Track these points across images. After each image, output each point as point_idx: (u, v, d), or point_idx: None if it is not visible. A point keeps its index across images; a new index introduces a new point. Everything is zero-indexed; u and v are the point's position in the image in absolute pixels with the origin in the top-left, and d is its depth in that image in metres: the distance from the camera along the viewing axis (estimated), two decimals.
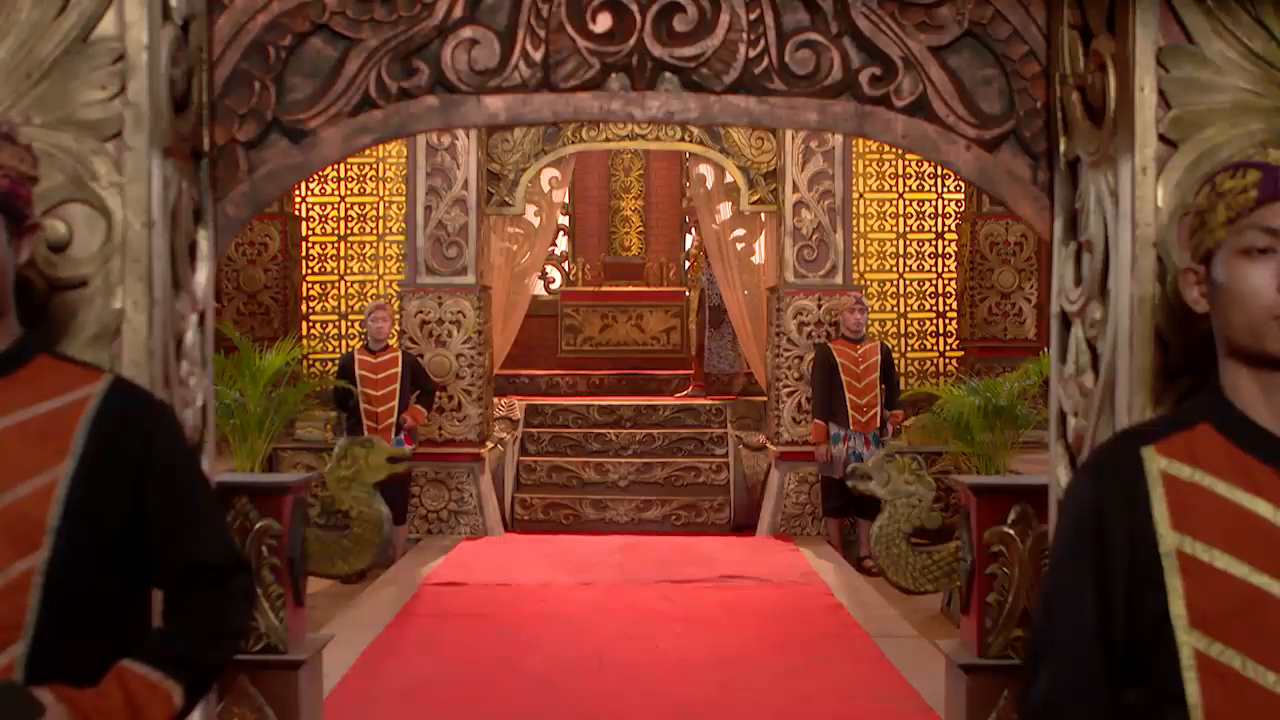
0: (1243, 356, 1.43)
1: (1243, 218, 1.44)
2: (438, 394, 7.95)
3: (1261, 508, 1.37)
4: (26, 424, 1.49)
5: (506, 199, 8.65)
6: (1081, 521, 1.45)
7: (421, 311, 8.24)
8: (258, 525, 3.42)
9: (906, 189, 9.50)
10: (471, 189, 8.24)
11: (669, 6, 2.17)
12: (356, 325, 9.40)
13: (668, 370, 11.11)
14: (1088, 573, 1.42)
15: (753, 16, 2.17)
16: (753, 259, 9.33)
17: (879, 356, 7.51)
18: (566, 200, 11.94)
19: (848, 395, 7.39)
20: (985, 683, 3.44)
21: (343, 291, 9.55)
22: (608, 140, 8.87)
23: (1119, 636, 1.41)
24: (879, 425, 7.43)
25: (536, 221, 9.87)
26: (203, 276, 2.08)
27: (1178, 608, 1.36)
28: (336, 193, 9.52)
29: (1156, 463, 1.43)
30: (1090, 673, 1.41)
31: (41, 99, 1.81)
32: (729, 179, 8.95)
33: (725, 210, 9.62)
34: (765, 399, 8.79)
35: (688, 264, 10.33)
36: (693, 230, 12.57)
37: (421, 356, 8.05)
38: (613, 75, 2.18)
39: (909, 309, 9.51)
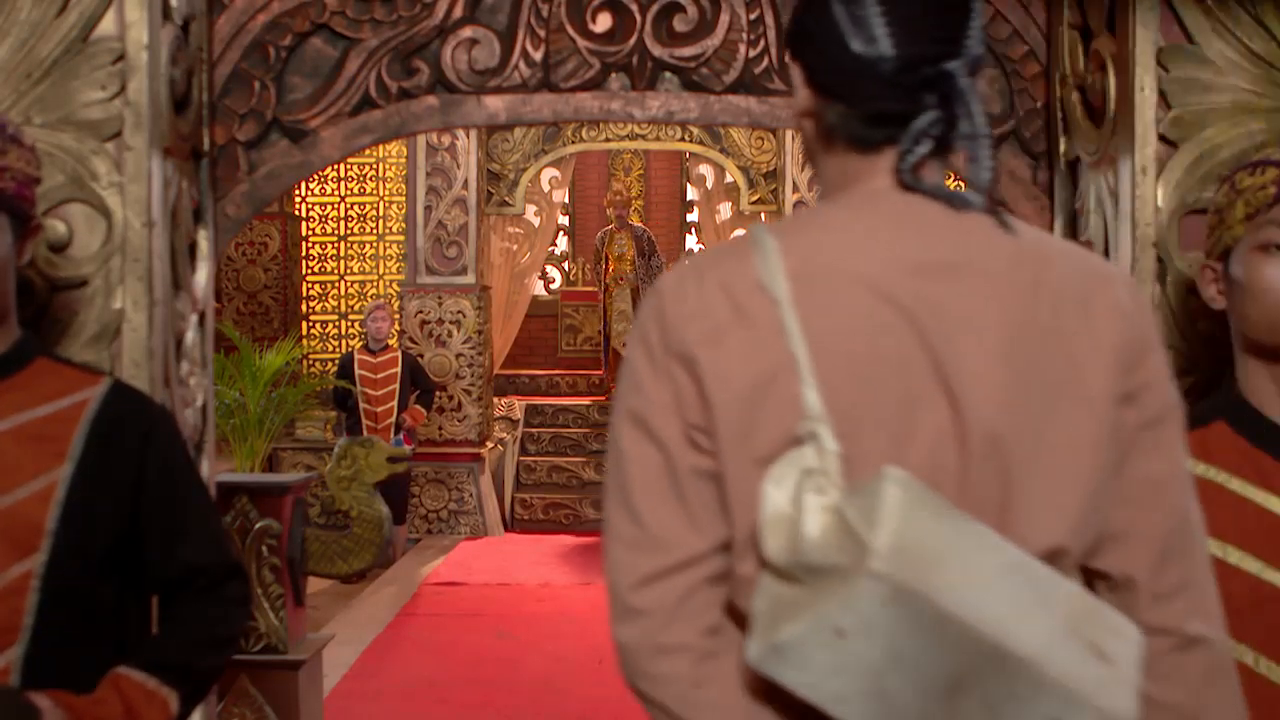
0: (1259, 352, 1.44)
1: (1260, 214, 1.44)
2: (437, 394, 7.95)
3: (1275, 505, 1.38)
4: (25, 427, 1.49)
5: (506, 199, 8.65)
6: None
7: (421, 311, 8.24)
8: (258, 525, 3.42)
9: None
10: (471, 189, 8.24)
11: (669, 6, 2.17)
12: (356, 325, 9.41)
13: None
14: None
15: (753, 16, 2.17)
16: None
17: None
18: (566, 200, 11.93)
19: None
20: None
21: (343, 291, 9.55)
22: (608, 140, 8.87)
23: None
24: None
25: (536, 221, 9.87)
26: (203, 276, 2.08)
27: None
28: (336, 193, 9.52)
29: None
30: None
31: (41, 99, 1.80)
32: (729, 179, 8.95)
33: (725, 210, 9.62)
34: None
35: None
36: (692, 231, 12.56)
37: (421, 356, 8.05)
38: (613, 75, 2.18)
39: None
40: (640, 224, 10.28)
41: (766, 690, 1.00)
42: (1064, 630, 0.94)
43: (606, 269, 9.82)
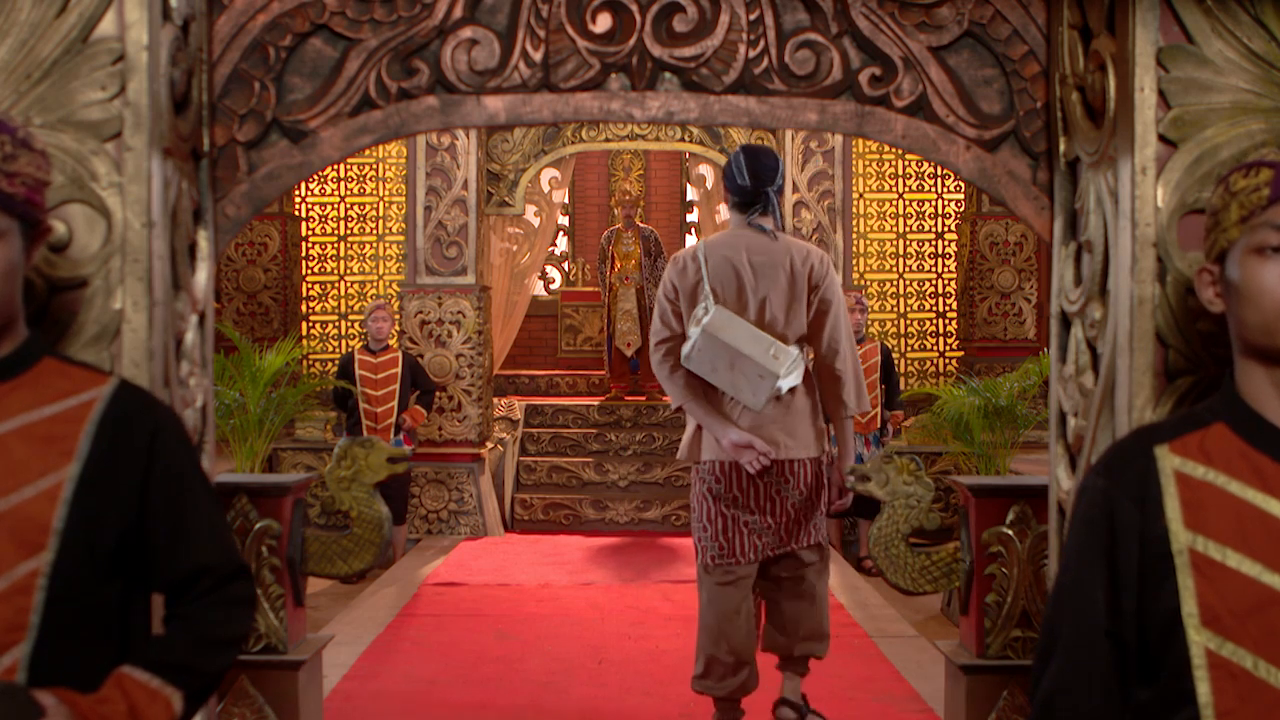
0: (1257, 355, 1.43)
1: (1255, 216, 1.44)
2: (437, 394, 7.95)
3: (1275, 507, 1.37)
4: (32, 427, 1.50)
5: (506, 199, 8.65)
6: (1093, 519, 1.45)
7: (421, 311, 8.24)
8: (258, 525, 3.41)
9: (906, 189, 9.51)
10: (471, 189, 8.24)
11: (669, 6, 2.17)
12: (356, 325, 9.41)
13: None
14: (1098, 569, 1.43)
15: (753, 16, 2.17)
16: None
17: (879, 357, 7.51)
18: (566, 200, 11.93)
19: None
20: (984, 683, 3.43)
21: (343, 291, 9.56)
22: (608, 140, 8.87)
23: (1129, 634, 1.41)
24: (879, 426, 7.43)
25: (536, 221, 9.88)
26: (203, 276, 2.08)
27: (1189, 606, 1.37)
28: (336, 193, 9.53)
29: (1169, 461, 1.43)
30: (1098, 666, 1.42)
31: (41, 99, 1.81)
32: None
33: (725, 210, 9.61)
34: None
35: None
36: (692, 231, 12.57)
37: (421, 357, 8.05)
38: (613, 75, 2.18)
39: (909, 309, 9.51)
40: (646, 225, 10.28)
41: (689, 377, 3.59)
42: (765, 349, 3.41)
43: (612, 268, 9.81)
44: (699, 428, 3.65)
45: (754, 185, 3.58)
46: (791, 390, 3.52)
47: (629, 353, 9.71)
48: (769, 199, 3.59)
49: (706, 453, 3.64)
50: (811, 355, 3.70)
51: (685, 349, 3.48)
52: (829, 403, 3.70)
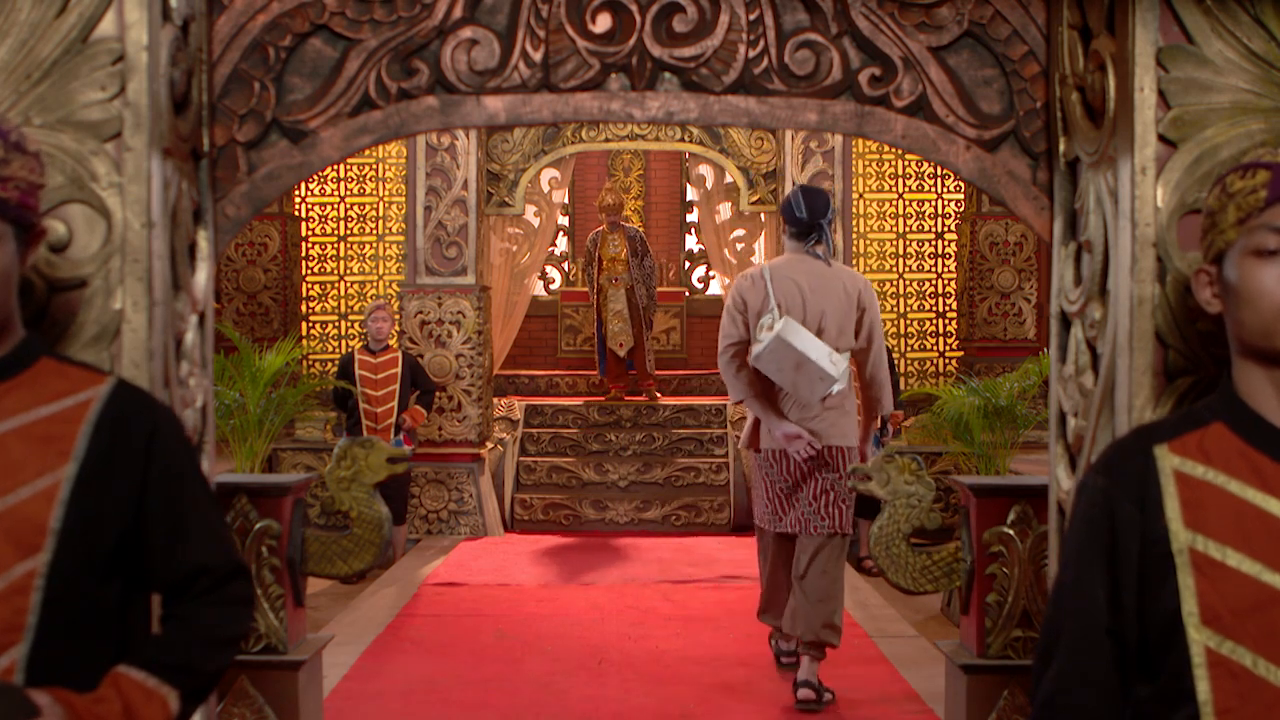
0: (1256, 356, 1.43)
1: (1253, 218, 1.44)
2: (437, 394, 7.94)
3: (1274, 506, 1.38)
4: (29, 427, 1.49)
5: (506, 199, 8.65)
6: (1093, 518, 1.45)
7: (421, 312, 8.24)
8: (258, 526, 3.41)
9: (906, 189, 9.50)
10: (471, 189, 8.24)
11: (669, 6, 2.17)
12: (356, 325, 9.40)
13: (668, 370, 11.12)
14: (1099, 568, 1.43)
15: (752, 17, 2.17)
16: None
17: None
18: (566, 200, 11.92)
19: None
20: (985, 683, 3.43)
21: (343, 291, 9.55)
22: (608, 140, 8.87)
23: (1130, 633, 1.42)
24: (879, 426, 7.41)
25: (536, 222, 9.86)
26: (203, 277, 2.08)
27: (1189, 605, 1.37)
28: (336, 193, 9.52)
29: (1169, 461, 1.43)
30: (1100, 665, 1.42)
31: (41, 99, 1.81)
32: (729, 179, 8.95)
33: (725, 210, 9.62)
34: None
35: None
36: (692, 231, 12.56)
37: (421, 357, 8.05)
38: (612, 75, 2.18)
39: (909, 309, 9.51)
40: (634, 225, 10.26)
41: (751, 376, 4.38)
42: (825, 354, 4.16)
43: (599, 270, 9.79)
44: (756, 420, 4.46)
45: (810, 218, 4.36)
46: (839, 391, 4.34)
47: (621, 353, 9.69)
48: (823, 230, 4.39)
49: (763, 441, 4.46)
50: (854, 364, 4.50)
51: (756, 350, 4.20)
52: (866, 402, 4.54)
